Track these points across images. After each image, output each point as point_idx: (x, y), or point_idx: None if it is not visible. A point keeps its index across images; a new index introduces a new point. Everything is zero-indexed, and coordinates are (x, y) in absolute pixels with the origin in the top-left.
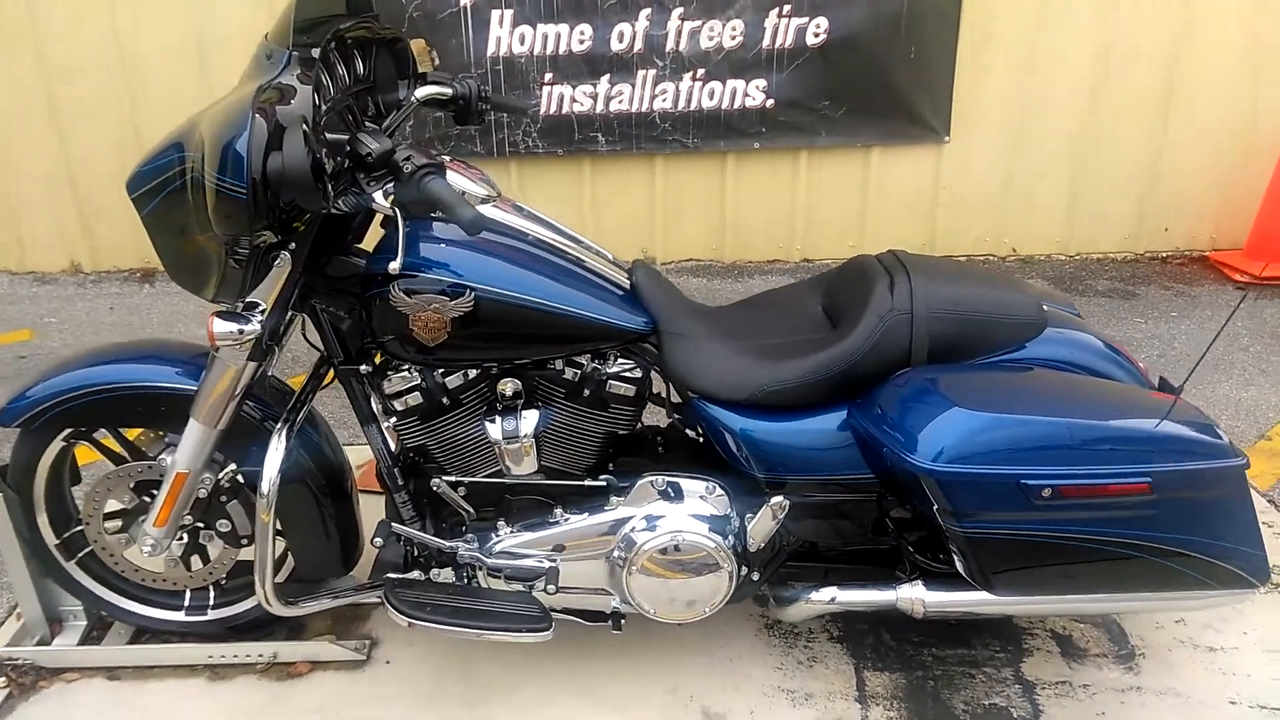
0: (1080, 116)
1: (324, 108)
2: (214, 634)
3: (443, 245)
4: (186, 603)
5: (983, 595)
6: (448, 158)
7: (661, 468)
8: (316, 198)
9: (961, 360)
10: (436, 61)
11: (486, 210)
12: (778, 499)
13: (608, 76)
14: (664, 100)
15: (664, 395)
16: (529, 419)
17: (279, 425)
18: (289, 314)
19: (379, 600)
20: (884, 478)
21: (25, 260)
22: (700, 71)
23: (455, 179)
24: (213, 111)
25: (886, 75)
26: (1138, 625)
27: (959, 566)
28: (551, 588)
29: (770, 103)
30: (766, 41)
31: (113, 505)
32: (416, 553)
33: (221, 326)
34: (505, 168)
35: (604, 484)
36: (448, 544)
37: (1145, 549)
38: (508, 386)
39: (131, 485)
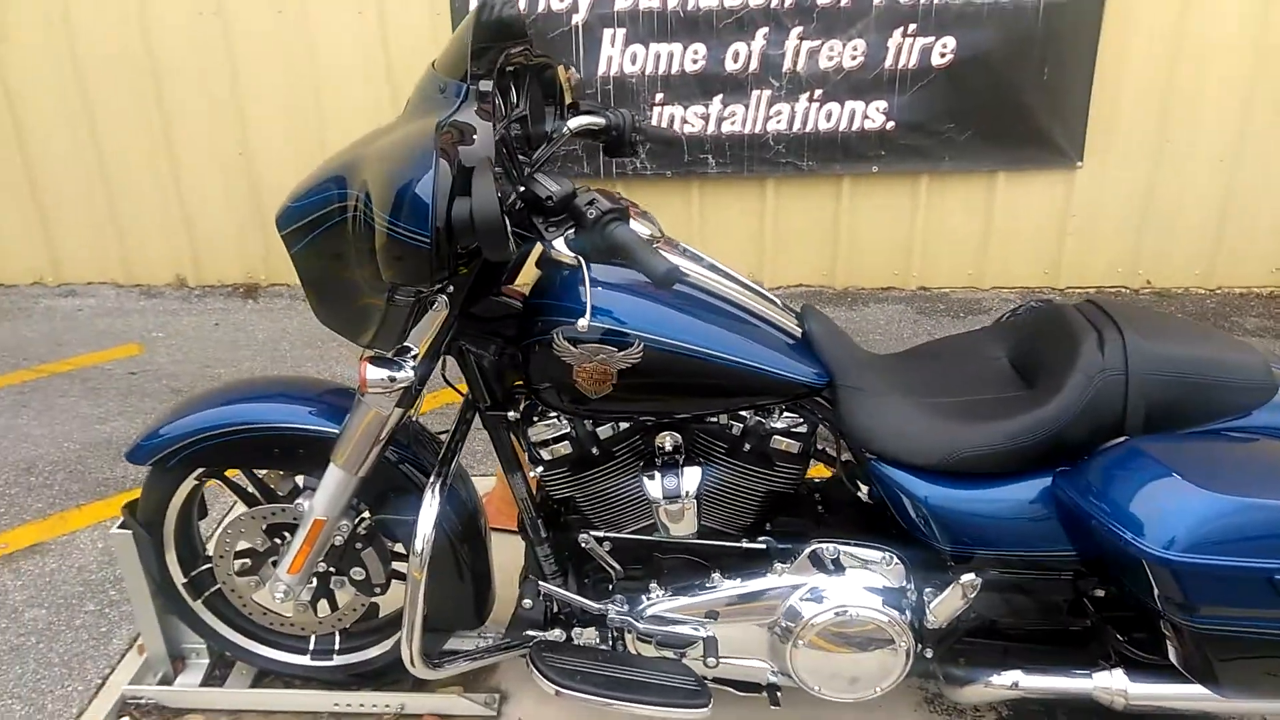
0: (1226, 139)
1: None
2: (337, 680)
3: (610, 292)
4: (312, 646)
5: (1198, 690)
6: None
7: (826, 531)
8: (505, 246)
9: (1181, 428)
10: (576, 79)
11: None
12: (969, 577)
13: (720, 97)
14: (778, 122)
15: (830, 452)
16: (690, 476)
17: (432, 479)
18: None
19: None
20: (1089, 556)
21: (132, 273)
22: (818, 92)
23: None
24: (380, 146)
25: (1016, 97)
26: None
27: (1173, 657)
28: (712, 660)
29: (891, 125)
30: (889, 62)
31: (242, 545)
32: (557, 608)
33: (375, 373)
34: (611, 189)
35: (763, 546)
36: (596, 605)
37: None
38: (667, 440)
39: (264, 528)
